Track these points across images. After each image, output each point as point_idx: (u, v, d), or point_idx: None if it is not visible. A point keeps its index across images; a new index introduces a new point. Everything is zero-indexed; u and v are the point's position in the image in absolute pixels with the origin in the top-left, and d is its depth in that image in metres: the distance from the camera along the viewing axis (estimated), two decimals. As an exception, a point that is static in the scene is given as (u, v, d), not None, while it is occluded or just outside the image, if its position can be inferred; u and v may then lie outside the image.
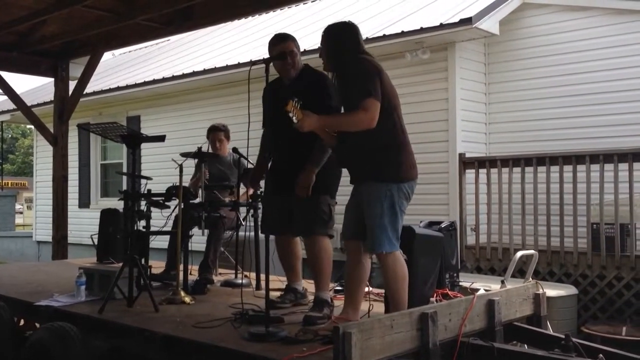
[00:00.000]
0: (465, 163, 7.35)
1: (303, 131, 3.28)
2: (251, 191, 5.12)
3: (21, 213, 28.13)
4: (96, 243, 6.45)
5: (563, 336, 3.57)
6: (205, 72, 9.77)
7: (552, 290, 5.64)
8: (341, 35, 3.49)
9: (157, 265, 5.30)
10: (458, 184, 7.40)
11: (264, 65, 3.51)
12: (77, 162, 12.46)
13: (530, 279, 4.32)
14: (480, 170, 7.21)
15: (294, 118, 3.16)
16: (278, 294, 4.30)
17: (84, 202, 12.56)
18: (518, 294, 3.99)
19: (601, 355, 3.33)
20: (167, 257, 5.37)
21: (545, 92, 7.88)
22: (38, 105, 11.64)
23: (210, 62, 10.24)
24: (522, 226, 6.82)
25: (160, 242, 5.48)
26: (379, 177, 3.30)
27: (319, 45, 3.63)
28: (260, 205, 5.10)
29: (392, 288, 3.38)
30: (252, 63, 3.57)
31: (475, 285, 4.66)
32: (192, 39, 13.33)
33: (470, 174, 7.34)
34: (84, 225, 11.17)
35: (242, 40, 11.33)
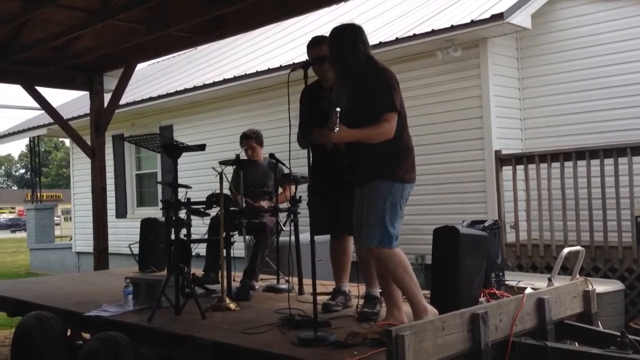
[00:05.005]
0: (502, 160, 7.26)
1: (332, 142, 3.44)
2: (290, 193, 5.11)
3: (58, 224, 28.68)
4: (135, 252, 6.53)
5: (616, 333, 3.50)
6: (235, 79, 9.85)
7: (598, 286, 5.46)
8: (351, 40, 3.47)
9: (198, 273, 5.35)
10: (495, 182, 7.30)
11: (301, 69, 3.53)
12: (113, 173, 12.65)
13: (578, 275, 4.24)
14: (518, 167, 7.11)
15: (335, 129, 3.24)
16: (324, 298, 4.28)
17: (121, 212, 12.76)
18: (567, 292, 3.94)
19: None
20: (206, 260, 5.41)
21: (581, 84, 7.75)
22: (73, 118, 11.84)
23: (240, 69, 10.31)
24: (563, 222, 6.71)
25: (199, 250, 5.53)
26: (384, 175, 3.38)
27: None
28: (299, 210, 5.13)
29: (399, 279, 3.37)
30: (293, 68, 3.58)
31: (521, 284, 4.59)
32: (219, 47, 13.42)
33: (507, 170, 7.24)
34: (120, 235, 11.35)
35: (269, 47, 11.38)
